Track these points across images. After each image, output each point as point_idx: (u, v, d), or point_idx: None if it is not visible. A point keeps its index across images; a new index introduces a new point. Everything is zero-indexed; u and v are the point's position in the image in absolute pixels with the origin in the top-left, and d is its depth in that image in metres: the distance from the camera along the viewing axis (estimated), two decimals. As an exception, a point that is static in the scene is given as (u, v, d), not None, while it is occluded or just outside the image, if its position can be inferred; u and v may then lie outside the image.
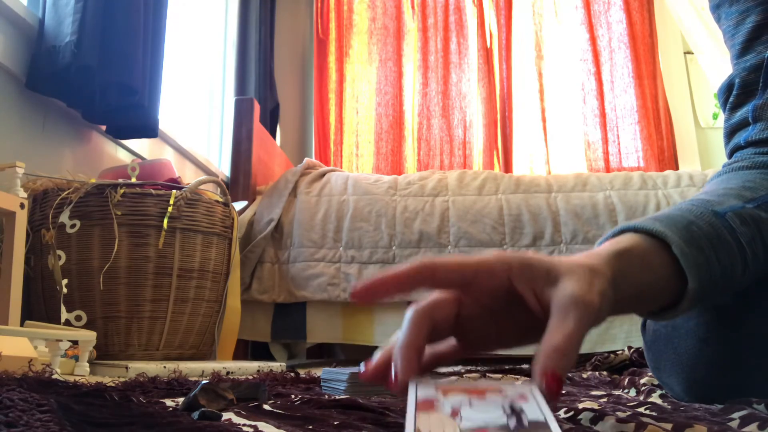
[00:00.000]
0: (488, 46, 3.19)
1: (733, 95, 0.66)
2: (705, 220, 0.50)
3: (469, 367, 1.32)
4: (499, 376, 1.10)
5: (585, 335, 0.39)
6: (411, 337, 0.39)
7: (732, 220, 0.51)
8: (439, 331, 0.42)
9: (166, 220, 1.25)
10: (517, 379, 1.08)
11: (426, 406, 0.33)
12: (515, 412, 0.32)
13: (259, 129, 2.15)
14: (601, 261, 0.43)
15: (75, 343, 0.97)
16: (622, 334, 1.67)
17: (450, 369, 1.23)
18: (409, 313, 0.40)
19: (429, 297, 0.42)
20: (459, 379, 0.35)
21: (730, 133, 0.67)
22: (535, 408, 0.32)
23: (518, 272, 0.41)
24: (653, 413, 0.54)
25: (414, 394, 0.35)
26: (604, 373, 1.11)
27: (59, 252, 1.18)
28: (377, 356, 0.41)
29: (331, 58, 3.23)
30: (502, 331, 0.44)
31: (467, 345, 0.44)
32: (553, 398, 0.35)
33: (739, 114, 0.65)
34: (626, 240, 0.47)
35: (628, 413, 0.53)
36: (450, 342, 0.45)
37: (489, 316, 0.42)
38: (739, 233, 0.50)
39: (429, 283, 0.41)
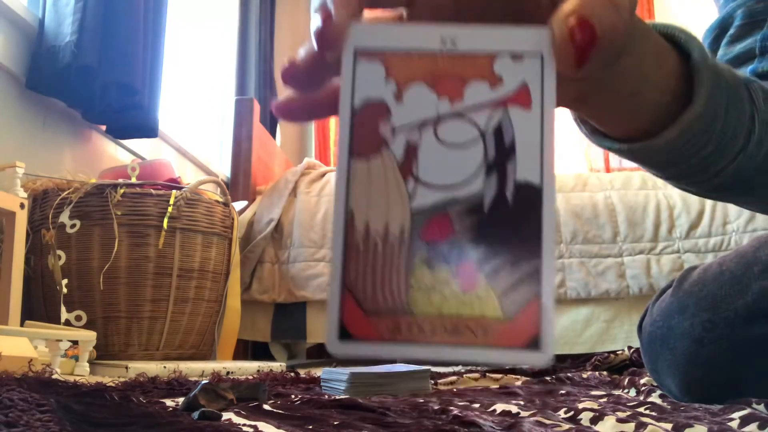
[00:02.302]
0: (488, 46, 3.19)
1: (735, 26, 0.58)
2: (731, 74, 0.41)
3: (469, 367, 1.32)
4: (499, 376, 1.10)
5: (615, 26, 0.26)
6: None
7: (755, 92, 0.42)
8: None
9: (166, 220, 1.25)
10: (518, 378, 1.08)
11: (367, 140, 0.23)
12: (500, 161, 0.22)
13: (259, 129, 2.15)
14: None
15: (75, 343, 0.97)
16: (622, 334, 1.67)
17: (450, 369, 1.23)
18: None
19: None
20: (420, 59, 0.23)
21: None
22: (534, 145, 0.23)
23: None
24: (653, 413, 0.54)
25: (350, 77, 0.23)
26: (604, 373, 1.11)
27: (59, 252, 1.18)
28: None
29: (331, 58, 3.23)
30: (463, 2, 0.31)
31: (416, 14, 0.31)
32: (577, 57, 0.24)
33: (742, 46, 0.57)
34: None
35: (628, 413, 0.53)
36: (397, 12, 0.32)
37: None
38: (756, 107, 0.42)
39: None
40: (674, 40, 0.38)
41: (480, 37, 0.23)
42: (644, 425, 0.45)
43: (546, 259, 0.21)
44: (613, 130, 0.39)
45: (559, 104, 0.34)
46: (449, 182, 0.22)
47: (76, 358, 0.98)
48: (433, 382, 0.98)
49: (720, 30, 0.59)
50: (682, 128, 0.37)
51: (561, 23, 0.24)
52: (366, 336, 0.21)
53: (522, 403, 0.66)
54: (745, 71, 0.54)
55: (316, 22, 0.25)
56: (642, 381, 0.82)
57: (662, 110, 0.37)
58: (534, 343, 0.21)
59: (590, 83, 0.33)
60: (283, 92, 0.29)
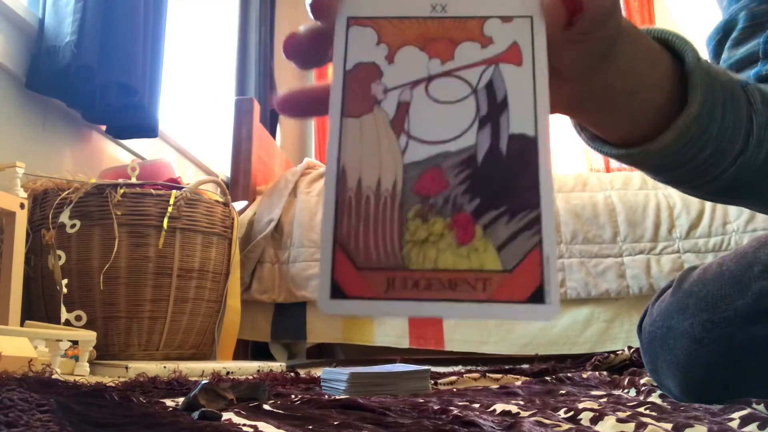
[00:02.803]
0: (488, 46, 3.19)
1: (738, 29, 0.58)
2: (727, 76, 0.41)
3: (469, 367, 1.32)
4: (499, 376, 1.10)
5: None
6: None
7: (752, 94, 0.42)
8: None
9: (166, 220, 1.25)
10: (518, 378, 1.08)
11: (359, 100, 0.23)
12: (493, 115, 0.22)
13: (259, 129, 2.15)
14: None
15: (75, 343, 0.97)
16: (622, 334, 1.67)
17: (450, 369, 1.23)
18: None
19: None
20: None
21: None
22: (527, 98, 0.22)
23: None
24: (653, 413, 0.54)
25: (343, 42, 0.24)
26: (604, 373, 1.11)
27: (59, 252, 1.18)
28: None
29: (331, 58, 3.23)
30: None
31: None
32: (567, 16, 0.25)
33: (745, 49, 0.57)
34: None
35: (628, 413, 0.53)
36: None
37: None
38: (754, 109, 0.41)
39: None
40: (669, 44, 0.38)
41: (470, 1, 0.24)
42: (644, 425, 0.45)
43: (545, 209, 0.20)
44: (611, 136, 0.39)
45: (556, 111, 0.35)
46: (442, 137, 0.22)
47: (76, 358, 0.98)
48: (433, 382, 0.98)
49: (723, 33, 0.59)
50: (679, 131, 0.37)
51: None
52: (359, 293, 0.20)
53: (522, 403, 0.66)
54: (748, 74, 0.54)
55: None
56: (642, 381, 0.82)
57: (659, 114, 0.37)
58: (538, 296, 0.19)
59: (586, 84, 0.33)
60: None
